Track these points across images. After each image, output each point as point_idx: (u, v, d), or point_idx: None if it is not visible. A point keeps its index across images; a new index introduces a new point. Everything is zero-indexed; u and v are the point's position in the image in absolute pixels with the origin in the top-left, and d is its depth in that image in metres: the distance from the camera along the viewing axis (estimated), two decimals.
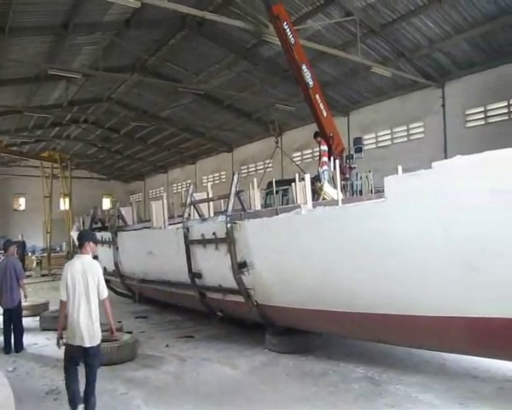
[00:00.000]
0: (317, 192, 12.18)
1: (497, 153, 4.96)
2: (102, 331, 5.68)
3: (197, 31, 20.08)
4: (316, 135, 14.49)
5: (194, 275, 9.45)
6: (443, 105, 21.01)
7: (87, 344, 5.43)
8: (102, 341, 5.79)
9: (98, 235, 14.33)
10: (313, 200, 10.48)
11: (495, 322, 5.32)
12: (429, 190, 5.28)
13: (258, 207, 12.30)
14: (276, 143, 18.43)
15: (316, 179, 12.82)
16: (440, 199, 5.21)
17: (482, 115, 19.87)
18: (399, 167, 6.90)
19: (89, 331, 5.44)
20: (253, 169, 32.31)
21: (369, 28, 18.44)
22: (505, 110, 19.07)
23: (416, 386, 6.37)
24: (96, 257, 6.32)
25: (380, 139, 24.06)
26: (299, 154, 28.07)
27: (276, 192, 15.36)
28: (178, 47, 21.76)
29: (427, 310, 5.82)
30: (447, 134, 20.83)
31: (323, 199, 11.91)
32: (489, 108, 19.59)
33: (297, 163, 22.94)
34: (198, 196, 12.11)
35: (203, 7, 16.22)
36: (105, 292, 5.69)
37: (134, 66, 23.95)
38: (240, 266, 8.00)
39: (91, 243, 5.92)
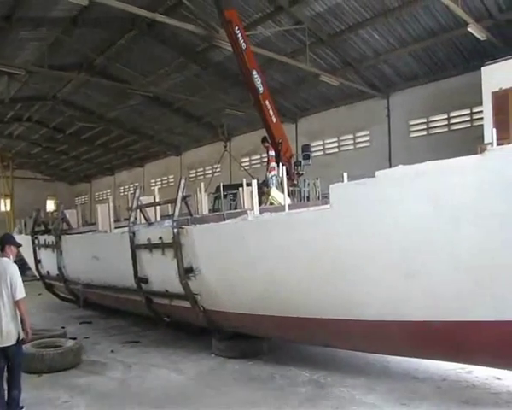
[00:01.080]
0: (264, 197, 12.29)
1: (436, 163, 5.18)
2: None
3: (147, 32, 19.81)
4: (263, 140, 14.61)
5: (141, 280, 9.34)
6: (388, 115, 21.63)
7: (2, 344, 5.57)
8: (45, 347, 5.75)
9: (41, 238, 13.95)
10: (261, 205, 10.60)
11: (432, 325, 5.55)
12: (372, 197, 5.45)
13: (206, 212, 12.28)
14: (225, 147, 18.52)
15: (264, 184, 12.94)
16: (382, 207, 5.39)
17: (425, 126, 20.61)
18: (345, 175, 7.08)
19: (2, 331, 5.57)
20: (202, 173, 32.18)
21: (317, 37, 18.78)
22: (445, 122, 19.87)
23: (360, 388, 6.53)
24: (16, 261, 6.32)
25: (327, 147, 24.49)
26: (248, 159, 28.18)
27: (225, 197, 15.37)
28: (127, 48, 21.37)
29: (369, 315, 6.00)
30: (392, 143, 21.47)
31: (271, 204, 12.03)
32: (431, 119, 20.35)
33: (245, 168, 23.07)
34: (145, 199, 11.95)
35: (153, 8, 16.05)
36: (19, 294, 5.74)
37: (81, 65, 23.29)
38: (186, 272, 7.97)
39: (12, 246, 6.09)
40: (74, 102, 28.62)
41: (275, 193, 12.15)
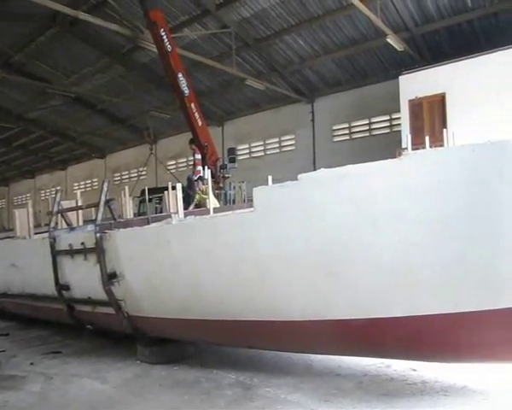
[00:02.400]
0: (192, 199, 12.27)
1: (357, 166, 5.39)
2: None
3: (69, 30, 19.17)
4: (191, 142, 14.56)
5: (62, 287, 8.99)
6: (312, 120, 22.24)
7: None
8: None
9: None
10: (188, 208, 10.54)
11: (353, 323, 5.76)
12: (295, 200, 5.58)
13: (131, 216, 12.05)
14: (151, 150, 18.29)
15: (187, 187, 12.91)
16: (305, 209, 5.53)
17: (347, 131, 21.39)
18: (270, 178, 7.17)
19: None
20: (127, 177, 31.57)
21: (244, 42, 19.01)
22: (367, 127, 20.74)
23: (285, 387, 6.63)
24: None
25: (253, 150, 24.80)
26: (174, 162, 27.97)
27: (150, 200, 15.16)
28: (48, 45, 20.59)
29: (292, 315, 6.13)
30: (316, 147, 22.07)
31: (197, 206, 12.01)
32: (353, 124, 21.14)
33: (172, 171, 22.86)
34: (67, 203, 11.55)
35: (76, 5, 15.56)
36: None
37: None
38: (110, 277, 7.77)
39: None
40: None
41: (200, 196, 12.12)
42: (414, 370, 6.88)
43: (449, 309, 5.35)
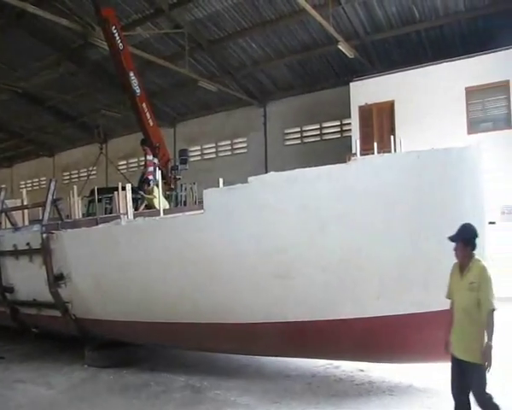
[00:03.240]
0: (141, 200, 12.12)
1: (306, 170, 5.50)
2: None
3: (16, 23, 18.50)
4: (143, 142, 14.33)
5: (5, 289, 8.73)
6: (264, 123, 22.34)
7: None
8: None
9: None
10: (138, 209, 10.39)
11: (302, 325, 5.86)
12: (245, 202, 5.63)
13: (79, 217, 11.78)
14: (101, 149, 17.87)
15: (140, 188, 12.74)
16: (254, 211, 5.59)
17: (299, 135, 21.61)
18: (221, 180, 7.19)
19: None
20: (76, 176, 30.77)
21: (197, 43, 18.91)
22: (318, 132, 21.03)
23: (235, 390, 6.66)
24: None
25: (205, 152, 24.68)
26: (125, 162, 27.49)
27: (100, 201, 14.84)
28: None
29: (242, 317, 6.17)
30: (268, 150, 22.19)
31: (147, 207, 11.88)
32: (304, 128, 21.39)
33: (122, 172, 22.46)
34: (13, 202, 11.19)
35: None
36: None
37: None
38: (56, 279, 7.61)
39: None
40: None
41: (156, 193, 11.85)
42: (361, 370, 7.06)
43: (394, 311, 5.54)
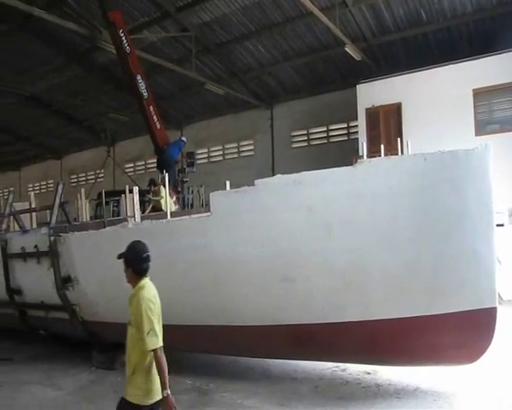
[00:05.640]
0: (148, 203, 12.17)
1: (312, 173, 5.50)
2: None
3: (23, 27, 18.58)
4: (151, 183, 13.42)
5: (13, 292, 8.77)
6: (271, 126, 22.35)
7: None
8: None
9: None
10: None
11: (308, 328, 5.85)
12: (251, 205, 5.63)
13: (87, 219, 11.85)
14: (108, 152, 18.00)
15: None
16: (261, 214, 5.59)
17: (305, 138, 21.60)
18: (227, 183, 7.21)
19: None
20: (84, 179, 30.92)
21: (204, 46, 18.95)
22: (325, 134, 21.01)
23: (241, 392, 6.65)
24: None
25: (212, 154, 24.72)
26: (132, 165, 27.61)
27: (107, 204, 14.92)
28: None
29: (248, 320, 6.17)
30: (275, 153, 22.20)
31: (154, 210, 11.91)
32: (311, 131, 21.38)
33: (129, 174, 22.57)
34: (20, 205, 11.27)
35: (31, 1, 15.07)
36: None
37: None
38: (64, 281, 7.64)
39: None
40: None
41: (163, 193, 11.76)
42: (368, 373, 7.03)
43: (400, 314, 5.52)
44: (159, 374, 3.76)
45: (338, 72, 19.55)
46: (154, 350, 3.74)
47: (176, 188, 14.37)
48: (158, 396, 3.84)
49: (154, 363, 3.80)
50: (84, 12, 16.65)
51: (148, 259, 4.03)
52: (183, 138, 16.00)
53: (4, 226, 9.11)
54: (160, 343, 3.78)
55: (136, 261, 4.00)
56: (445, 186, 5.21)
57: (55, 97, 23.92)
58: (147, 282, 4.02)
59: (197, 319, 6.53)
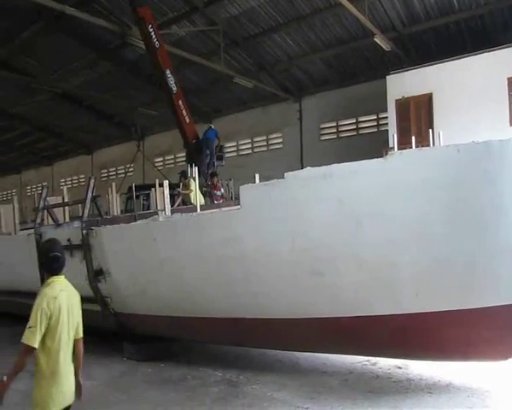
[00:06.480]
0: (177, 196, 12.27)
1: (342, 165, 5.44)
2: None
3: (55, 25, 18.94)
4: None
5: None
6: (300, 118, 22.24)
7: None
8: None
9: None
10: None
11: (338, 321, 5.81)
12: (281, 199, 5.61)
13: (118, 213, 12.00)
14: (138, 147, 18.18)
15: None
16: (291, 207, 5.57)
17: (335, 130, 21.43)
18: (257, 176, 7.20)
19: None
20: (114, 173, 31.35)
21: (232, 39, 18.97)
22: (354, 126, 20.81)
23: (271, 385, 6.67)
24: None
25: (241, 148, 24.75)
26: (162, 159, 27.85)
27: (137, 197, 15.10)
28: (33, 40, 20.24)
29: (277, 313, 6.16)
30: (304, 145, 22.09)
31: (184, 203, 11.98)
32: (340, 123, 21.20)
33: (159, 168, 22.77)
34: (53, 199, 11.49)
35: (62, 0, 15.36)
36: None
37: None
38: (96, 274, 7.77)
39: None
40: None
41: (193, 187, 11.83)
42: (399, 367, 6.96)
43: (432, 308, 5.42)
44: (13, 368, 3.74)
45: (367, 63, 19.31)
46: (24, 345, 3.68)
47: (205, 181, 14.45)
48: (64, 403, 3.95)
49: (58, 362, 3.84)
50: (114, 9, 16.89)
51: (55, 258, 3.97)
52: (211, 125, 16.08)
53: (39, 220, 9.28)
54: (33, 344, 3.68)
55: (43, 259, 4.03)
56: (479, 178, 5.09)
57: (86, 93, 24.30)
58: (55, 280, 3.95)
59: (227, 312, 6.56)
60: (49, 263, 3.97)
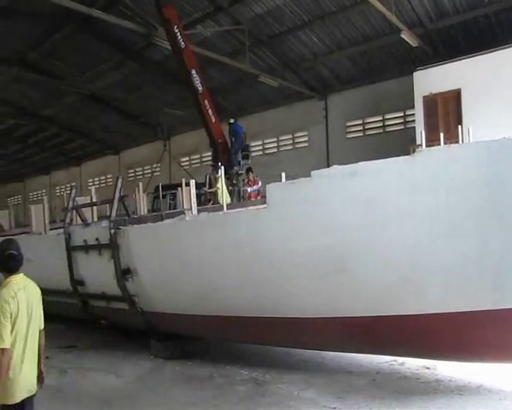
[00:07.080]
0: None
1: (369, 163, 5.37)
2: None
3: (83, 28, 19.29)
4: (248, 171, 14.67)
5: (77, 282, 9.10)
6: (325, 116, 22.12)
7: None
8: None
9: None
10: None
11: (365, 320, 5.75)
12: (307, 197, 5.58)
13: (145, 212, 12.12)
14: (164, 147, 18.32)
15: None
16: (317, 206, 5.53)
17: (361, 128, 21.26)
18: (283, 174, 7.17)
19: None
20: (141, 173, 31.71)
21: (257, 38, 18.99)
22: (380, 124, 20.60)
23: (298, 384, 6.64)
24: None
25: (266, 147, 24.76)
26: (188, 158, 28.03)
27: (164, 197, 15.22)
28: (62, 43, 20.72)
29: (303, 312, 6.13)
30: (329, 144, 21.97)
31: (211, 203, 12.03)
32: (367, 121, 21.01)
33: (185, 168, 22.92)
34: (82, 199, 11.66)
35: (90, 3, 15.60)
36: None
37: (9, 59, 22.01)
38: (123, 273, 7.85)
39: None
40: (5, 98, 27.35)
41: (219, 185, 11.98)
42: (427, 368, 6.85)
43: (461, 307, 5.32)
44: None
45: (394, 59, 19.08)
46: None
47: (231, 181, 14.49)
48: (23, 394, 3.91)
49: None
50: (139, 10, 17.08)
51: (10, 256, 3.98)
52: (231, 120, 16.07)
53: (68, 220, 9.43)
54: (5, 345, 3.71)
55: (2, 259, 3.99)
56: (510, 176, 4.97)
57: (112, 95, 24.62)
58: (12, 280, 3.96)
59: (253, 311, 6.55)
60: (5, 262, 3.97)
